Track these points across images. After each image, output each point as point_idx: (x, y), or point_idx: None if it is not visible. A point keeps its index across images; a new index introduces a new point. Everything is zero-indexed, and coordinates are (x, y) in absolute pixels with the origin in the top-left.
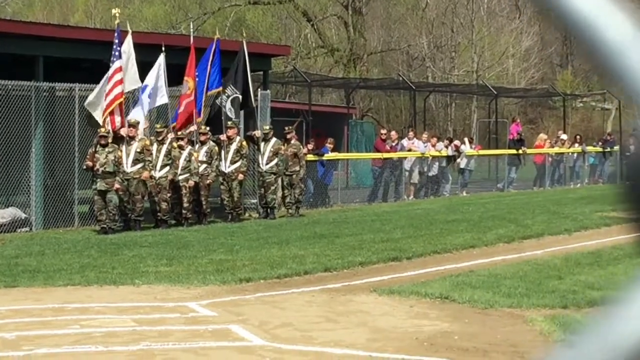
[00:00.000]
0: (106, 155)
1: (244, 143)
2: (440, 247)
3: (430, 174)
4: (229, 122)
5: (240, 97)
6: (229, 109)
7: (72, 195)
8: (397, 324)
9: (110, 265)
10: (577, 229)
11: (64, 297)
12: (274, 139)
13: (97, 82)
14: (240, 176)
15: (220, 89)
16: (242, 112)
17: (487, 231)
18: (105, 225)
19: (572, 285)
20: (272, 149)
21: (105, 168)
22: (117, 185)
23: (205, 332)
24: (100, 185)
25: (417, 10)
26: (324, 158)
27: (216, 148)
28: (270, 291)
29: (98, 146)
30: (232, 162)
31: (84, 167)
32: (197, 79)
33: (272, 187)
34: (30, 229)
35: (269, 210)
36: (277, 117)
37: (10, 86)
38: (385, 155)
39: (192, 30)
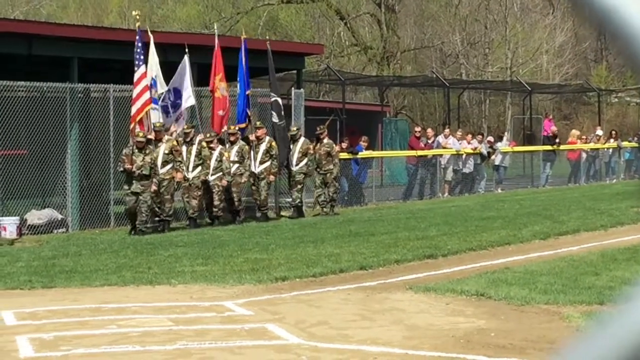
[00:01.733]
0: (143, 158)
1: (274, 143)
2: (476, 244)
3: (465, 170)
4: (258, 123)
5: (279, 99)
6: (271, 113)
7: (107, 195)
8: (433, 322)
9: (147, 265)
10: (613, 224)
11: (101, 297)
12: (302, 139)
13: (131, 83)
14: (271, 177)
15: (251, 91)
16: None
17: (523, 228)
18: (139, 226)
19: (608, 282)
20: (300, 149)
21: (142, 171)
22: (154, 188)
23: (241, 331)
24: (136, 187)
25: (450, 7)
26: (358, 156)
27: (246, 147)
28: (306, 290)
29: (134, 148)
30: (262, 163)
31: (121, 169)
32: (238, 83)
33: (299, 186)
34: (67, 230)
35: (297, 209)
36: (310, 116)
37: (45, 88)
38: (420, 152)
39: (216, 30)
